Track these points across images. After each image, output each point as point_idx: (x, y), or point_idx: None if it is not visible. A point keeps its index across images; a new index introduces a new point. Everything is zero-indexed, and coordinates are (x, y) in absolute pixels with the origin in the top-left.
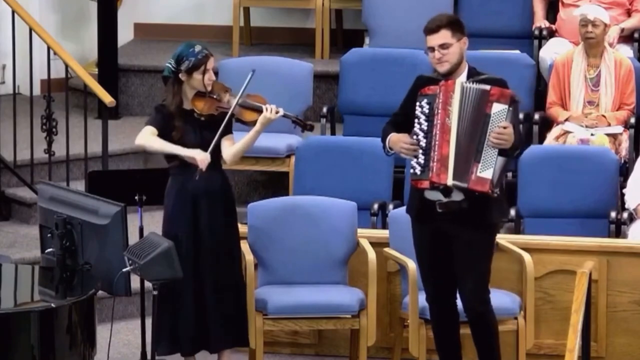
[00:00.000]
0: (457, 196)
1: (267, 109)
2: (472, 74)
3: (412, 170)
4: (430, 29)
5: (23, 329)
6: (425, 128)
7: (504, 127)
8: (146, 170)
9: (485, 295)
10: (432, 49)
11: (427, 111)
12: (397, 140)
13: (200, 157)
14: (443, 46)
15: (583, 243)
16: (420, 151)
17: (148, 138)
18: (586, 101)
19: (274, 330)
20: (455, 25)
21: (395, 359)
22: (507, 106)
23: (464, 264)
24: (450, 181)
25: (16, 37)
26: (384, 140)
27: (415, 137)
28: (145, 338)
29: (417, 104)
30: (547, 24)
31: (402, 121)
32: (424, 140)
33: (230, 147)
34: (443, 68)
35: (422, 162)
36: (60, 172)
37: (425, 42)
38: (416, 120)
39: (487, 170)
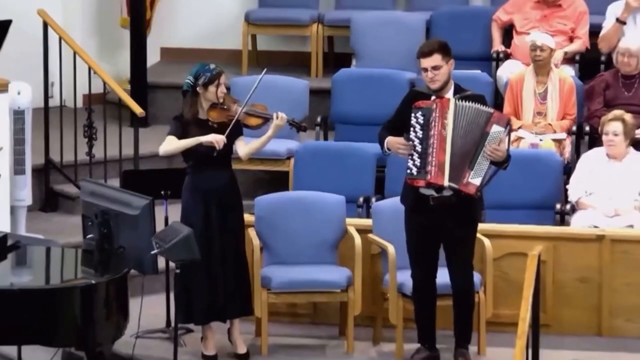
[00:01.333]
0: (447, 192)
1: (276, 117)
2: (458, 90)
3: (408, 171)
4: (424, 53)
5: (68, 302)
6: (421, 135)
7: (497, 147)
8: (170, 170)
9: (471, 274)
10: (426, 70)
11: (421, 121)
12: (395, 142)
13: (216, 138)
14: (435, 68)
15: (533, 230)
16: (416, 155)
17: (167, 144)
18: (536, 112)
19: (276, 303)
20: (445, 49)
21: (378, 327)
22: (504, 128)
23: (453, 249)
24: (446, 182)
25: (62, 59)
26: (382, 142)
27: (411, 142)
28: (170, 309)
29: (412, 115)
30: (503, 48)
31: (396, 126)
32: (419, 146)
33: (246, 146)
34: (435, 85)
35: (417, 164)
36: (99, 171)
37: (419, 63)
38: (412, 129)
39: (477, 178)
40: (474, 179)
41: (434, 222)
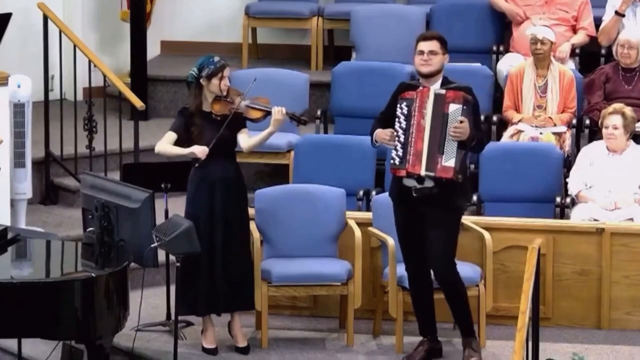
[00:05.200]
0: (429, 183)
1: (275, 112)
2: (445, 83)
3: (392, 161)
4: (425, 37)
5: (68, 295)
6: (404, 126)
7: (460, 122)
8: (170, 163)
9: (450, 264)
10: (422, 53)
11: (405, 112)
12: (381, 133)
13: (198, 150)
14: (431, 52)
15: (533, 223)
16: (399, 145)
17: (162, 146)
18: (535, 105)
19: (276, 296)
20: (444, 41)
21: (378, 320)
22: (461, 105)
23: (433, 239)
24: (423, 172)
25: (62, 53)
26: (371, 135)
27: (395, 133)
28: (170, 302)
29: (398, 106)
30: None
31: (387, 119)
32: (403, 137)
33: (249, 139)
34: (426, 69)
35: (400, 154)
36: (99, 164)
37: (417, 47)
38: (397, 120)
39: (450, 160)
40: (448, 162)
41: (417, 212)
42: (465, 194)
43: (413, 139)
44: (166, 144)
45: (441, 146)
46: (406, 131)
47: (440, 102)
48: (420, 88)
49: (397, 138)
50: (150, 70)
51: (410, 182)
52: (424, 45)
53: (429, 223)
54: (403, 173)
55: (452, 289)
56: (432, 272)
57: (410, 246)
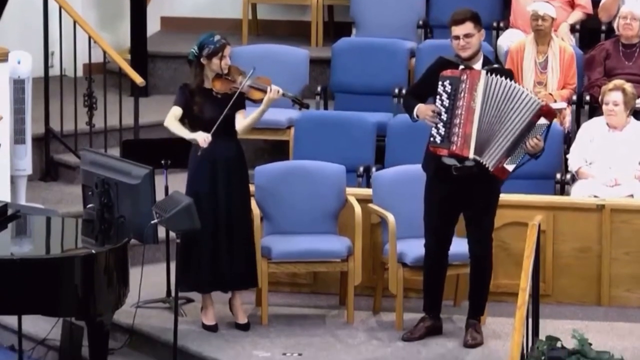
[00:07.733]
0: (469, 162)
1: (270, 91)
2: (486, 62)
3: (431, 139)
4: (457, 21)
5: (69, 271)
6: (447, 105)
7: (538, 140)
8: (170, 139)
9: (489, 240)
10: (457, 38)
11: (449, 90)
12: (426, 110)
13: (201, 138)
14: (467, 36)
15: (534, 200)
16: (441, 123)
17: (170, 121)
18: (536, 82)
19: (276, 273)
20: (476, 18)
21: (378, 296)
22: (549, 122)
23: (474, 218)
24: (471, 155)
25: (62, 29)
26: (410, 108)
27: (436, 110)
28: (170, 279)
29: (440, 83)
30: None
31: (422, 92)
32: (445, 115)
33: (241, 121)
34: (465, 53)
35: (442, 133)
36: (99, 140)
37: (450, 31)
38: (438, 97)
39: (512, 165)
40: (509, 165)
41: (457, 190)
42: None
43: (461, 121)
44: (174, 122)
45: (512, 149)
46: (449, 110)
47: (534, 110)
48: (462, 68)
49: (438, 116)
50: (150, 47)
51: (450, 161)
52: (458, 30)
53: (472, 203)
54: (444, 152)
55: (482, 265)
56: (469, 247)
57: (440, 222)
